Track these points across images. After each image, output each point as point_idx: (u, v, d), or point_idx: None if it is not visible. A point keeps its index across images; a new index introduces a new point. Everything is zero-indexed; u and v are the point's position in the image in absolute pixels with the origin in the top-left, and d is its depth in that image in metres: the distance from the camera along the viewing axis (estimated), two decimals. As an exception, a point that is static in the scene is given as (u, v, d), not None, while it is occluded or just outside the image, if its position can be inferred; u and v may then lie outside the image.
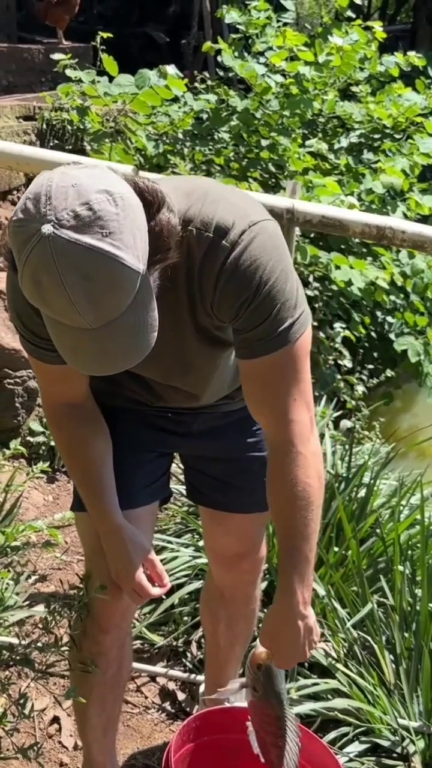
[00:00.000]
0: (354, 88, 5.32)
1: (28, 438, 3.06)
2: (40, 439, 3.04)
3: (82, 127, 4.46)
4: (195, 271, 1.21)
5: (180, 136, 4.77)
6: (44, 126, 4.58)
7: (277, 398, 1.28)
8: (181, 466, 1.78)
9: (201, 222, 1.20)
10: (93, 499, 1.42)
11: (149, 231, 1.08)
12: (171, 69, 4.10)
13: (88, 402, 1.42)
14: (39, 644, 1.55)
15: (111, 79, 4.22)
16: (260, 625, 1.43)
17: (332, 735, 1.88)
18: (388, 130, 5.01)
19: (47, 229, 1.00)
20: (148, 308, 1.08)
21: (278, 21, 4.99)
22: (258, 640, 1.35)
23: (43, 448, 3.03)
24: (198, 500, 1.69)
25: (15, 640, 1.64)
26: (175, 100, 4.65)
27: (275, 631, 1.32)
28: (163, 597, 2.26)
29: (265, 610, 1.37)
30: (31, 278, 1.03)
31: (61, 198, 1.01)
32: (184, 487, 1.77)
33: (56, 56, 4.27)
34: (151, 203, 1.09)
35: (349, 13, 5.21)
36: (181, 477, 1.99)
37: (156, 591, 1.42)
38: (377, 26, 5.07)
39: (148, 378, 1.40)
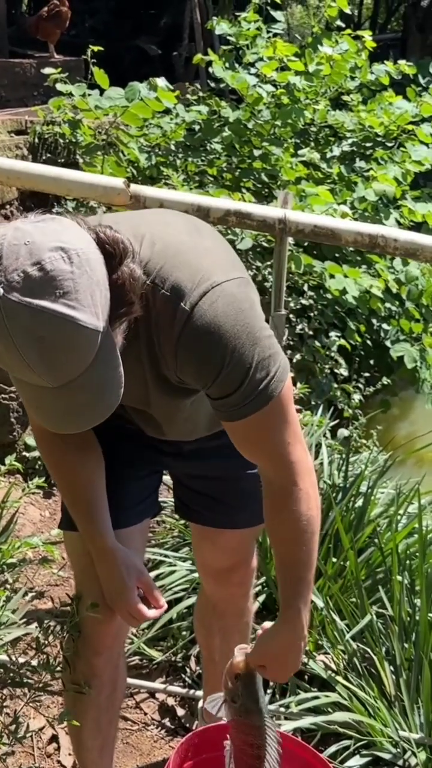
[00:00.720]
0: (345, 97, 5.33)
1: (24, 453, 3.05)
2: (36, 454, 3.03)
3: (74, 140, 4.45)
4: (152, 329, 1.17)
5: (172, 147, 4.78)
6: (36, 140, 4.58)
7: (272, 448, 1.26)
8: (170, 481, 1.77)
9: (160, 278, 1.14)
10: (85, 521, 1.40)
11: (111, 284, 1.04)
12: (161, 81, 4.10)
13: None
14: (32, 664, 1.54)
15: (102, 92, 4.23)
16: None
17: (333, 749, 1.86)
18: (379, 139, 5.01)
19: None
20: (110, 365, 1.04)
21: (268, 32, 5.00)
22: (238, 650, 1.33)
23: (39, 463, 3.01)
24: (188, 516, 1.68)
25: (10, 659, 1.62)
26: (167, 111, 4.66)
27: (280, 654, 1.31)
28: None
29: (262, 626, 1.35)
30: None
31: (12, 258, 0.98)
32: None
33: (47, 70, 4.28)
34: (113, 255, 1.05)
35: (339, 23, 5.21)
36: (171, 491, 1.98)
37: (152, 613, 1.41)
38: (367, 35, 5.08)
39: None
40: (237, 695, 1.32)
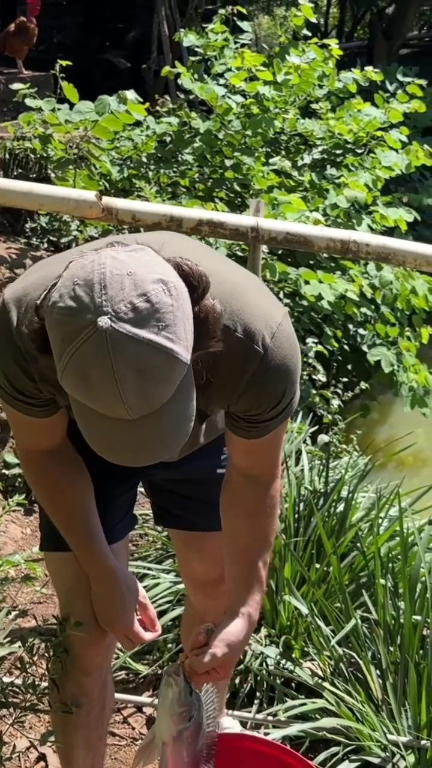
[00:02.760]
0: (314, 105, 5.38)
1: (3, 471, 3.02)
2: (16, 471, 3.01)
3: (45, 155, 4.46)
4: (220, 367, 1.17)
5: (144, 159, 4.79)
6: (7, 156, 4.58)
7: (275, 454, 1.37)
8: (143, 491, 1.75)
9: (230, 319, 1.17)
10: (83, 545, 1.39)
11: (194, 317, 1.04)
12: (130, 94, 4.11)
13: (65, 443, 1.37)
14: (17, 684, 1.53)
15: (72, 106, 4.24)
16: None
17: (322, 756, 1.86)
18: (349, 145, 5.06)
19: (104, 321, 0.94)
20: (188, 398, 1.04)
21: (236, 42, 5.04)
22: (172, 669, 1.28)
23: (19, 480, 2.99)
24: (170, 523, 1.67)
25: (-6, 679, 1.61)
26: (138, 124, 4.67)
27: (241, 644, 1.31)
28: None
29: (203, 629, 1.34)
30: (78, 371, 0.96)
31: (117, 288, 0.96)
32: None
33: (16, 86, 4.28)
34: (196, 288, 1.05)
35: (306, 32, 5.26)
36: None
37: (149, 636, 1.40)
38: (333, 43, 5.13)
39: None
40: (195, 709, 1.26)
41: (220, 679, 1.35)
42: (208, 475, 1.53)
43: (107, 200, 2.37)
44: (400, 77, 6.32)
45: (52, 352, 1.02)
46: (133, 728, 2.08)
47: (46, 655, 1.46)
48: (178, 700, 1.25)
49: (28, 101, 4.15)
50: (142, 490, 1.72)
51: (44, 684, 1.49)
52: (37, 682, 1.52)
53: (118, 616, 1.37)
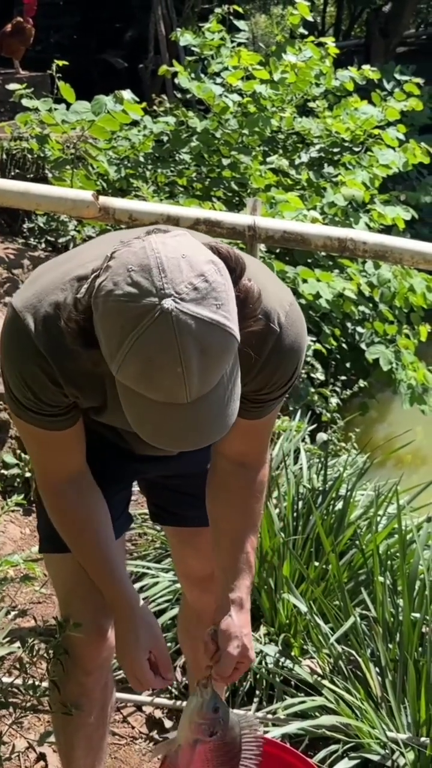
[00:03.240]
0: (311, 104, 5.37)
1: (2, 471, 3.02)
2: (14, 471, 3.01)
3: (42, 155, 4.46)
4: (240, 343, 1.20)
5: (141, 159, 4.79)
6: (4, 156, 4.57)
7: (266, 438, 1.40)
8: (137, 491, 1.75)
9: None
10: (104, 581, 1.38)
11: (236, 298, 1.05)
12: (127, 94, 4.11)
13: (85, 468, 1.37)
14: (17, 685, 1.53)
15: (69, 106, 4.24)
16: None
17: (322, 754, 1.86)
18: (346, 144, 5.06)
19: (169, 303, 0.95)
20: (234, 377, 1.05)
21: (232, 41, 5.04)
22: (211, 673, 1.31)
23: (18, 480, 3.00)
24: (167, 521, 1.67)
25: (-7, 679, 1.61)
26: (135, 123, 4.67)
27: (246, 628, 1.33)
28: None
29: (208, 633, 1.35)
30: (142, 357, 0.96)
31: (176, 270, 0.97)
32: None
33: (12, 86, 4.28)
34: (234, 269, 1.06)
35: (302, 31, 5.26)
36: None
37: (158, 682, 1.38)
38: (330, 42, 5.13)
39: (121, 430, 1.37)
40: (218, 724, 1.29)
41: (246, 668, 1.37)
42: (201, 469, 1.53)
43: (104, 200, 2.37)
44: (397, 76, 6.32)
45: (97, 345, 1.02)
46: (133, 727, 2.08)
47: (46, 656, 1.46)
48: (198, 711, 1.28)
49: (25, 101, 4.15)
50: (138, 489, 1.72)
51: (44, 684, 1.49)
52: (36, 683, 1.52)
53: (129, 655, 1.36)
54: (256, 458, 1.40)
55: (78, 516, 1.37)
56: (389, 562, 2.28)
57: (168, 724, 2.08)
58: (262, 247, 3.95)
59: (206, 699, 1.29)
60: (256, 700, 2.05)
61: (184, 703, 2.05)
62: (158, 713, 2.11)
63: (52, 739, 1.86)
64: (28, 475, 2.96)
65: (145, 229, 1.07)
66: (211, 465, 1.42)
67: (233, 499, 1.38)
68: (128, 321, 0.97)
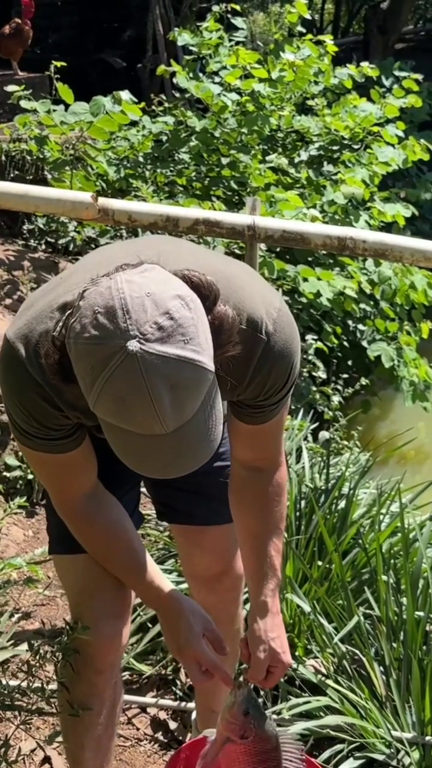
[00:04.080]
0: (310, 102, 5.37)
1: (5, 473, 3.02)
2: (17, 473, 3.01)
3: (41, 156, 4.45)
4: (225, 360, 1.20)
5: (140, 159, 4.79)
6: (3, 158, 4.58)
7: (277, 441, 1.40)
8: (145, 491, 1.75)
9: (233, 312, 1.17)
10: (141, 585, 1.40)
11: (210, 325, 1.06)
12: (125, 94, 4.11)
13: (97, 482, 1.38)
14: (24, 687, 1.53)
15: (68, 107, 4.23)
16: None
17: (327, 754, 1.86)
18: (346, 141, 5.05)
19: (133, 345, 0.96)
20: (214, 403, 1.06)
21: (231, 40, 5.03)
22: (240, 680, 1.35)
23: (20, 482, 2.99)
24: (173, 519, 1.67)
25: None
26: (134, 124, 4.67)
27: (273, 632, 1.36)
28: (149, 625, 2.24)
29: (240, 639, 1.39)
30: (113, 397, 0.99)
31: (140, 311, 0.98)
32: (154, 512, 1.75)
33: (10, 88, 4.28)
34: (207, 297, 1.07)
35: (301, 29, 5.25)
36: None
37: (221, 667, 1.39)
38: (328, 40, 5.12)
39: None
40: (249, 728, 1.32)
41: (282, 672, 1.40)
42: (207, 468, 1.52)
43: (103, 201, 2.37)
44: (396, 72, 6.32)
45: (76, 380, 1.04)
46: (138, 729, 2.08)
47: (54, 658, 1.46)
48: (229, 709, 1.33)
49: (24, 103, 4.14)
50: (144, 490, 1.72)
51: (52, 687, 1.49)
52: (44, 685, 1.51)
53: (188, 642, 1.38)
54: (270, 461, 1.41)
55: (104, 527, 1.39)
56: (392, 561, 2.28)
57: (173, 725, 2.08)
58: (262, 246, 3.95)
59: (238, 700, 1.33)
60: (260, 700, 2.04)
61: (189, 705, 2.05)
62: (163, 714, 2.11)
63: (59, 739, 1.86)
64: (30, 477, 2.96)
65: (123, 266, 1.07)
66: (230, 472, 1.44)
67: (252, 504, 1.40)
68: (97, 363, 0.99)
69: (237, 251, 4.25)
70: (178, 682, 2.16)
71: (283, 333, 1.23)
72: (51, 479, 1.38)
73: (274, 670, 1.37)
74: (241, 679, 1.37)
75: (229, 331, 1.10)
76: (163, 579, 1.42)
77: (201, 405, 1.03)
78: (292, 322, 1.27)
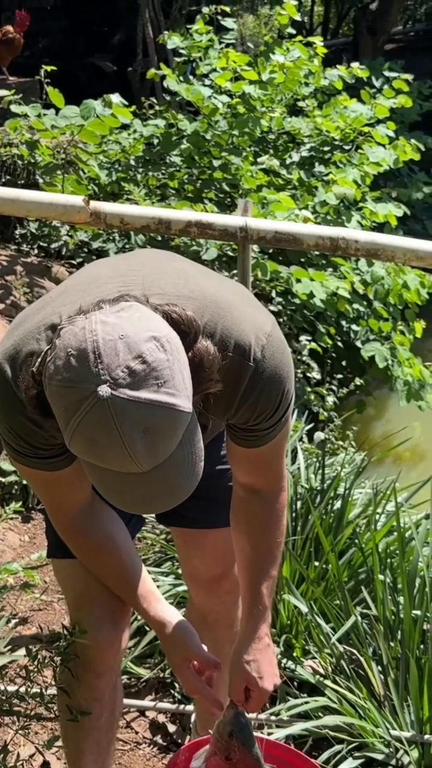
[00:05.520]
0: (301, 103, 5.38)
1: (0, 478, 3.02)
2: (12, 478, 3.00)
3: (32, 160, 4.45)
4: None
5: (132, 162, 4.79)
6: (-6, 163, 4.57)
7: (277, 465, 1.38)
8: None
9: (220, 340, 1.17)
10: (134, 601, 1.40)
11: (189, 362, 1.05)
12: (115, 98, 4.11)
13: (92, 494, 1.37)
14: (23, 692, 1.52)
15: (58, 111, 4.23)
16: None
17: (326, 755, 1.85)
18: (337, 142, 5.06)
19: (104, 390, 0.96)
20: (194, 441, 1.06)
21: (221, 42, 5.03)
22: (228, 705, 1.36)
23: (16, 487, 2.99)
24: (171, 522, 1.67)
25: (-4, 688, 1.60)
26: (125, 127, 4.67)
27: (264, 661, 1.38)
28: (147, 628, 2.23)
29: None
30: (86, 438, 0.99)
31: (112, 354, 0.97)
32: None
33: (0, 92, 4.27)
34: (187, 334, 1.06)
35: (291, 30, 5.26)
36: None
37: (206, 689, 1.40)
38: (318, 41, 5.13)
39: None
40: (234, 751, 1.34)
41: (261, 699, 1.40)
42: (208, 472, 1.53)
43: (95, 204, 2.37)
44: (386, 73, 6.33)
45: (54, 415, 1.03)
46: (137, 732, 2.08)
47: (53, 663, 1.46)
48: (217, 726, 1.37)
49: (14, 107, 4.14)
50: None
51: (51, 691, 1.48)
52: (42, 690, 1.51)
53: (174, 667, 1.42)
54: (269, 486, 1.40)
55: (97, 543, 1.38)
56: (389, 560, 2.28)
57: (171, 728, 2.07)
58: (254, 247, 3.96)
59: (224, 720, 1.36)
60: (251, 716, 2.04)
61: (188, 707, 2.05)
62: (162, 718, 2.11)
63: (58, 744, 1.86)
64: (26, 482, 2.95)
65: (101, 304, 1.05)
66: (232, 494, 1.44)
67: (248, 527, 1.39)
68: (70, 405, 0.99)
69: (230, 253, 4.26)
70: (177, 685, 2.16)
71: (272, 359, 1.21)
72: (45, 495, 1.39)
73: (252, 694, 1.38)
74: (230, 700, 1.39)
75: (210, 368, 1.08)
76: (152, 599, 1.41)
77: (180, 443, 1.02)
78: (282, 348, 1.24)
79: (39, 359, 1.06)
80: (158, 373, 0.98)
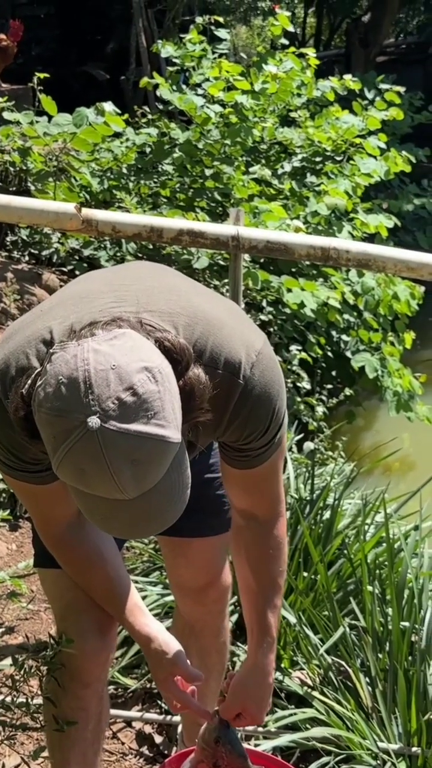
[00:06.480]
0: (293, 114, 5.40)
1: (-13, 486, 3.00)
2: (0, 486, 2.99)
3: (24, 167, 4.45)
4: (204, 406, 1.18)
5: (124, 170, 4.79)
6: (-14, 169, 4.57)
7: (272, 488, 1.36)
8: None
9: (210, 358, 1.17)
10: (120, 612, 1.40)
11: (180, 391, 1.04)
12: (108, 106, 4.11)
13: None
14: (8, 702, 1.51)
15: (51, 118, 4.23)
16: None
17: (313, 767, 1.84)
18: (328, 153, 5.08)
19: (94, 422, 0.95)
20: (182, 468, 1.05)
21: (214, 52, 5.05)
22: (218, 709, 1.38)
23: (3, 496, 2.97)
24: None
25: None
26: (118, 135, 4.67)
27: (257, 697, 1.40)
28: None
29: (229, 674, 1.43)
30: (74, 467, 0.99)
31: (102, 385, 0.96)
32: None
33: (-8, 100, 4.28)
34: (179, 362, 1.05)
35: (284, 41, 5.28)
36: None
37: (191, 701, 1.41)
38: (310, 53, 5.15)
39: None
40: (222, 758, 1.35)
41: (250, 721, 1.42)
42: (197, 481, 1.52)
43: (87, 212, 2.37)
44: (380, 85, 6.36)
45: (42, 438, 1.03)
46: (123, 743, 2.06)
47: (38, 673, 1.45)
48: (203, 735, 1.38)
49: (6, 114, 4.14)
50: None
51: (37, 701, 1.47)
52: (28, 700, 1.50)
53: (158, 681, 1.42)
54: (267, 511, 1.38)
55: (83, 556, 1.38)
56: (378, 571, 2.27)
57: (158, 739, 2.06)
58: (246, 257, 3.96)
59: (210, 727, 1.37)
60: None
61: (175, 718, 2.04)
62: (148, 728, 2.09)
63: (44, 755, 1.84)
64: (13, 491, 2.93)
65: (94, 330, 1.03)
66: (232, 521, 1.44)
67: (248, 556, 1.39)
68: (59, 434, 0.98)
69: (222, 262, 4.26)
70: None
71: (262, 377, 1.20)
72: (32, 507, 1.38)
73: (242, 720, 1.41)
74: (216, 709, 1.40)
75: (201, 397, 1.07)
76: (138, 613, 1.40)
77: (167, 471, 1.01)
78: (273, 366, 1.23)
79: (29, 380, 1.05)
80: (149, 405, 0.97)
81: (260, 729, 1.96)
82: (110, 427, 0.96)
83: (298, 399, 4.10)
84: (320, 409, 4.11)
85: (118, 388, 0.97)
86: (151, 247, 4.27)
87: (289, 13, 5.19)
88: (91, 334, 1.02)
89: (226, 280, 4.05)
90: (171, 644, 1.39)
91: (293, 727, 1.93)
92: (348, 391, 4.49)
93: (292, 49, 5.20)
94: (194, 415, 1.07)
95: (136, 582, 2.39)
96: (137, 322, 1.06)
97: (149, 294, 1.19)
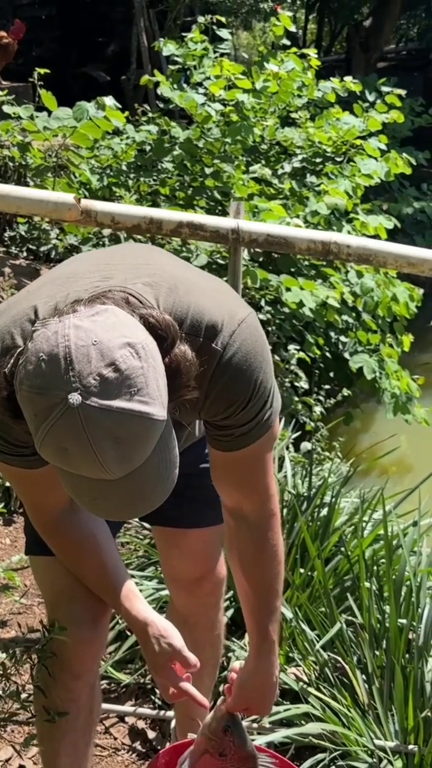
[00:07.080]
0: (293, 115, 5.39)
1: (-19, 479, 2.97)
2: (-6, 479, 2.96)
3: (24, 162, 4.43)
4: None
5: (124, 168, 4.78)
6: (-15, 164, 4.55)
7: (260, 479, 1.33)
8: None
9: (190, 325, 1.14)
10: (115, 602, 1.37)
11: (166, 368, 1.02)
12: (109, 100, 4.10)
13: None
14: (-2, 692, 1.48)
15: (50, 114, 4.22)
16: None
17: (308, 763, 1.82)
18: (329, 154, 5.07)
19: (75, 398, 0.93)
20: (169, 447, 1.03)
21: (215, 51, 5.05)
22: (221, 701, 1.37)
23: (-3, 488, 2.94)
24: (153, 521, 1.65)
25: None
26: (118, 132, 4.66)
27: (262, 690, 1.39)
28: (128, 633, 2.19)
29: (232, 667, 1.42)
30: (56, 445, 0.97)
31: (84, 361, 0.94)
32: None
33: (-8, 95, 4.26)
34: (164, 339, 1.02)
35: (285, 41, 5.28)
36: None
37: (188, 687, 1.38)
38: (312, 53, 5.15)
39: None
40: (229, 746, 1.34)
41: (255, 712, 1.46)
42: (189, 470, 1.50)
43: (86, 203, 2.34)
44: (380, 88, 6.36)
45: (25, 418, 1.00)
46: (115, 738, 2.03)
47: (29, 662, 1.42)
48: (209, 725, 1.37)
49: (6, 108, 4.13)
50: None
51: (29, 691, 1.45)
52: (19, 690, 1.47)
53: (154, 668, 1.39)
54: (257, 508, 1.35)
55: (77, 542, 1.36)
56: (375, 568, 2.25)
57: (151, 734, 2.03)
58: (245, 255, 3.94)
59: (217, 716, 1.36)
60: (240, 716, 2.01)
61: (168, 713, 2.01)
62: (141, 724, 2.07)
63: (35, 749, 1.81)
64: (8, 484, 2.91)
65: (76, 307, 1.01)
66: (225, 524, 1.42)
67: (243, 562, 1.37)
68: (40, 412, 0.96)
69: (220, 260, 4.24)
70: (157, 691, 2.12)
71: (244, 345, 1.17)
72: (24, 493, 1.36)
73: (250, 707, 1.41)
74: (222, 698, 1.38)
75: (187, 374, 1.05)
76: (134, 600, 1.38)
77: (154, 450, 0.99)
78: (257, 338, 1.19)
79: (12, 359, 1.03)
80: (132, 381, 0.95)
81: (255, 724, 1.94)
82: (92, 404, 0.93)
83: (296, 398, 4.08)
84: (318, 409, 4.09)
85: (100, 364, 0.94)
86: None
87: (290, 14, 5.19)
88: (73, 311, 1.00)
89: (224, 278, 4.03)
90: (169, 629, 1.37)
91: (288, 723, 1.91)
92: (346, 392, 4.47)
93: (294, 49, 5.20)
94: (180, 393, 1.05)
95: (132, 576, 2.36)
96: (122, 299, 1.04)
97: (136, 271, 1.17)
